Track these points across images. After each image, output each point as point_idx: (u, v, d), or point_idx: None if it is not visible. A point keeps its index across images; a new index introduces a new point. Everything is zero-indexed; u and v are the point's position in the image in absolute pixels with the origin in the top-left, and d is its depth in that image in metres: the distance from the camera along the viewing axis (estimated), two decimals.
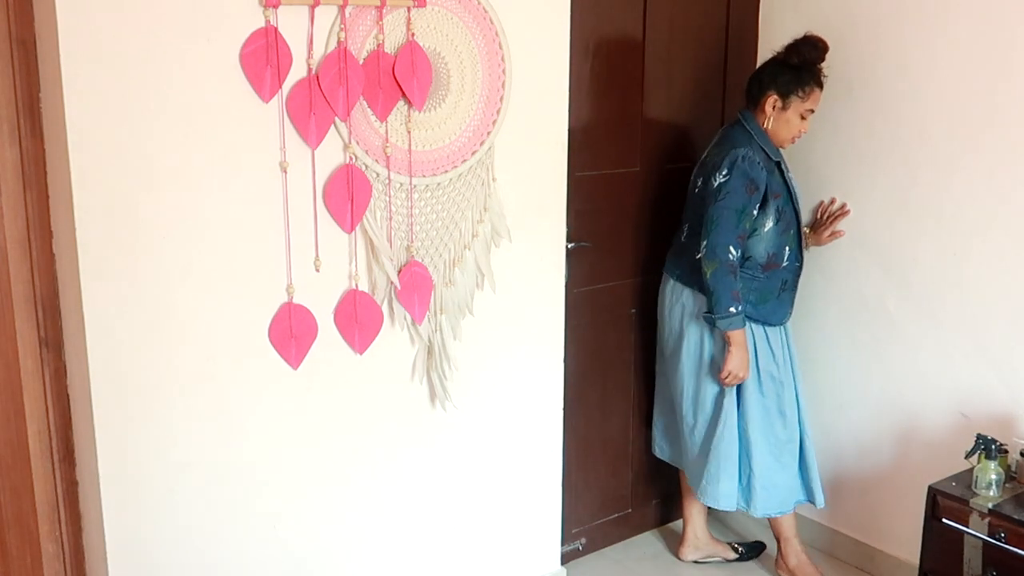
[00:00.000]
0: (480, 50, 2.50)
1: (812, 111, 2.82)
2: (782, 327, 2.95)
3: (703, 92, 3.22)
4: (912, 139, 2.90)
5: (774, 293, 2.87)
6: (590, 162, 2.97)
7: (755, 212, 2.75)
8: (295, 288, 2.32)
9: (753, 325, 2.86)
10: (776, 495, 2.94)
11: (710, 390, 2.93)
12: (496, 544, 2.88)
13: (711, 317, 2.77)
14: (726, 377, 2.80)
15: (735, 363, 2.78)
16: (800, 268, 2.94)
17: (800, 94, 2.79)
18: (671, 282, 3.01)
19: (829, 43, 2.84)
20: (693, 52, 3.12)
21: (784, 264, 2.87)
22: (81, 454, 2.27)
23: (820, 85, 2.81)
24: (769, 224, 2.79)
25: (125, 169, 2.06)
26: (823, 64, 2.82)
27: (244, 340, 2.28)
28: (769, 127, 2.82)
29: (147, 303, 2.13)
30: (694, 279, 2.87)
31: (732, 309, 2.74)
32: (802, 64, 2.79)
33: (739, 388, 2.88)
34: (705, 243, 2.75)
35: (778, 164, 2.82)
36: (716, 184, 2.75)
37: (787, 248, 2.86)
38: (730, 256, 2.72)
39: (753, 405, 2.89)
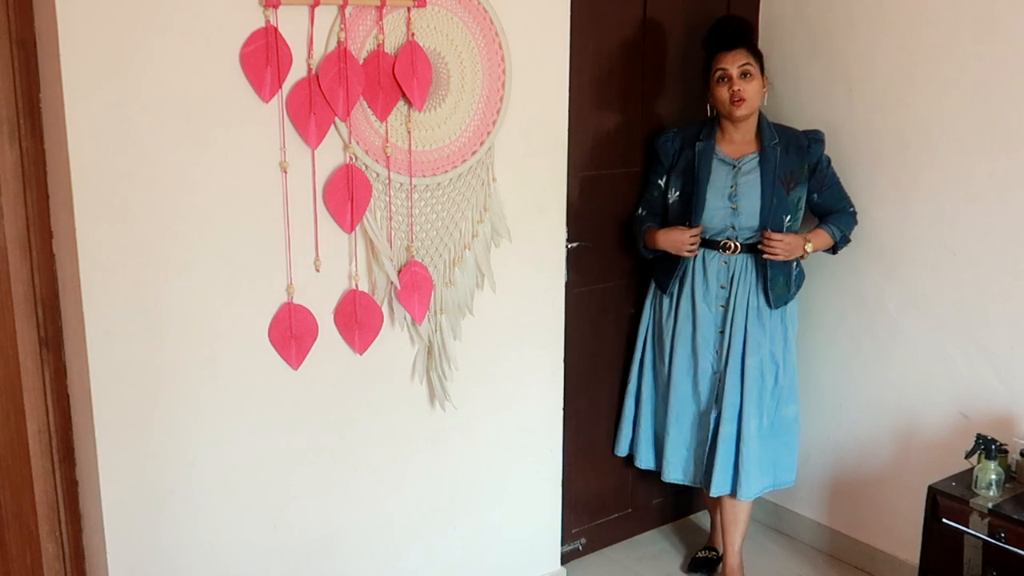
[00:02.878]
0: (480, 50, 2.50)
1: (723, 70, 2.81)
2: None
3: (704, 88, 3.21)
4: (912, 139, 2.90)
5: (667, 263, 2.98)
6: (590, 162, 2.98)
7: (660, 183, 2.99)
8: (295, 288, 2.32)
9: (655, 289, 3.06)
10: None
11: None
12: (496, 544, 2.88)
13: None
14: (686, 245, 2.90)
15: (665, 242, 2.92)
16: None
17: (709, 69, 2.86)
18: None
19: (829, 43, 2.84)
20: (693, 51, 3.12)
21: None
22: (81, 454, 2.27)
23: (722, 47, 2.82)
24: (675, 194, 2.95)
25: (125, 169, 2.06)
26: (731, 33, 2.83)
27: (244, 340, 2.28)
28: (710, 100, 2.91)
29: (147, 303, 2.13)
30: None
31: (636, 228, 3.04)
32: (708, 44, 2.89)
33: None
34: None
35: (695, 143, 2.90)
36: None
37: (686, 224, 2.91)
38: (638, 213, 3.06)
39: (649, 370, 3.13)
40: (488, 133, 2.56)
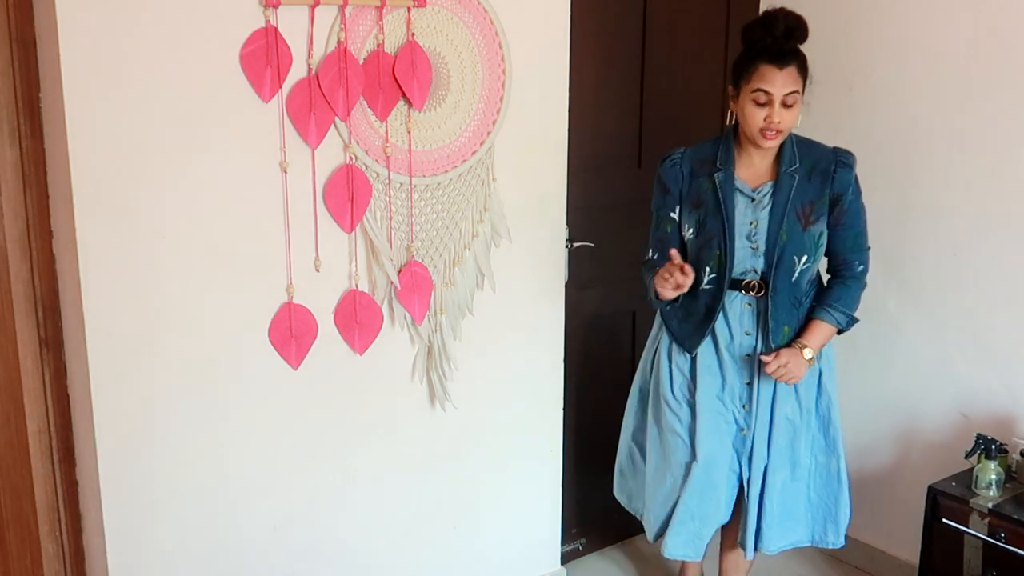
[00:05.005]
0: (480, 50, 2.50)
1: (767, 93, 2.32)
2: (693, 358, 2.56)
3: (704, 89, 3.22)
4: (912, 139, 2.90)
5: (694, 316, 2.53)
6: (590, 162, 2.97)
7: (674, 215, 2.52)
8: (295, 288, 2.32)
9: (669, 340, 2.59)
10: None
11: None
12: (496, 544, 2.88)
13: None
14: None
15: (657, 285, 2.42)
16: (720, 295, 2.47)
17: (743, 76, 2.36)
18: None
19: (830, 43, 2.78)
20: (694, 50, 3.12)
21: (704, 286, 2.49)
22: (81, 454, 2.27)
23: (769, 59, 2.33)
24: (689, 232, 2.51)
25: (125, 169, 2.06)
26: (782, 37, 2.34)
27: (244, 340, 2.28)
28: (733, 123, 2.45)
29: (147, 303, 2.13)
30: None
31: (647, 280, 2.52)
32: (750, 43, 2.39)
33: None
34: None
35: (715, 172, 2.44)
36: None
37: (708, 267, 2.47)
38: (648, 257, 2.60)
39: (647, 422, 2.71)
40: (488, 133, 2.56)
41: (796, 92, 2.34)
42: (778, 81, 2.32)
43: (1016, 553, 2.46)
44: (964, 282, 2.83)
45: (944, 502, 2.61)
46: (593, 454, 3.22)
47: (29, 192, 2.13)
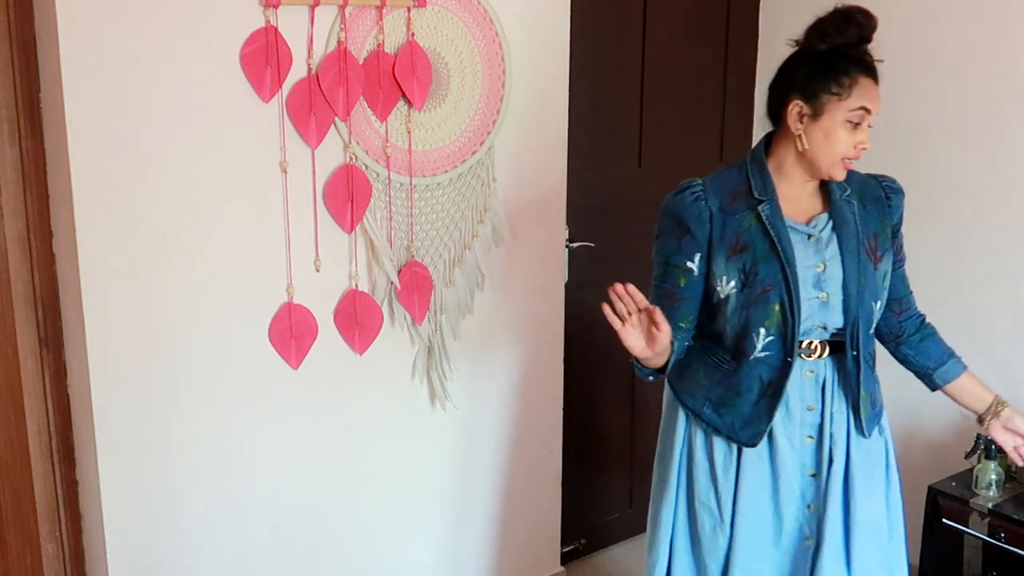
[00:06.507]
0: (480, 50, 2.50)
1: (867, 111, 1.83)
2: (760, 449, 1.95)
3: (704, 88, 3.22)
4: (912, 139, 2.90)
5: (745, 395, 1.94)
6: (590, 162, 2.97)
7: (691, 265, 1.93)
8: (295, 288, 2.32)
9: (709, 432, 2.00)
10: None
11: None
12: (496, 544, 2.88)
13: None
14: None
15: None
16: (787, 364, 1.90)
17: (835, 89, 1.82)
18: None
19: None
20: (694, 48, 3.12)
21: (758, 353, 1.91)
22: (81, 454, 2.27)
23: (866, 70, 1.84)
24: (730, 286, 1.91)
25: (125, 169, 2.06)
26: (869, 44, 1.87)
27: (244, 340, 2.28)
28: (804, 149, 1.87)
29: (147, 303, 2.13)
30: (676, 375, 2.05)
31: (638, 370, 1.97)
32: (835, 48, 1.85)
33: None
34: None
35: (758, 205, 1.89)
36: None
37: (762, 330, 1.90)
38: None
39: (678, 528, 2.11)
40: (488, 133, 2.56)
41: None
42: (876, 98, 1.86)
43: (1016, 553, 2.46)
44: (964, 282, 2.83)
45: (944, 502, 2.61)
46: (593, 454, 3.22)
47: (29, 192, 2.13)
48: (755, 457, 1.96)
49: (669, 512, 2.08)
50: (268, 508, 2.41)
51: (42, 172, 2.14)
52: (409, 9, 2.34)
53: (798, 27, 2.91)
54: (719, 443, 1.98)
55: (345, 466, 2.51)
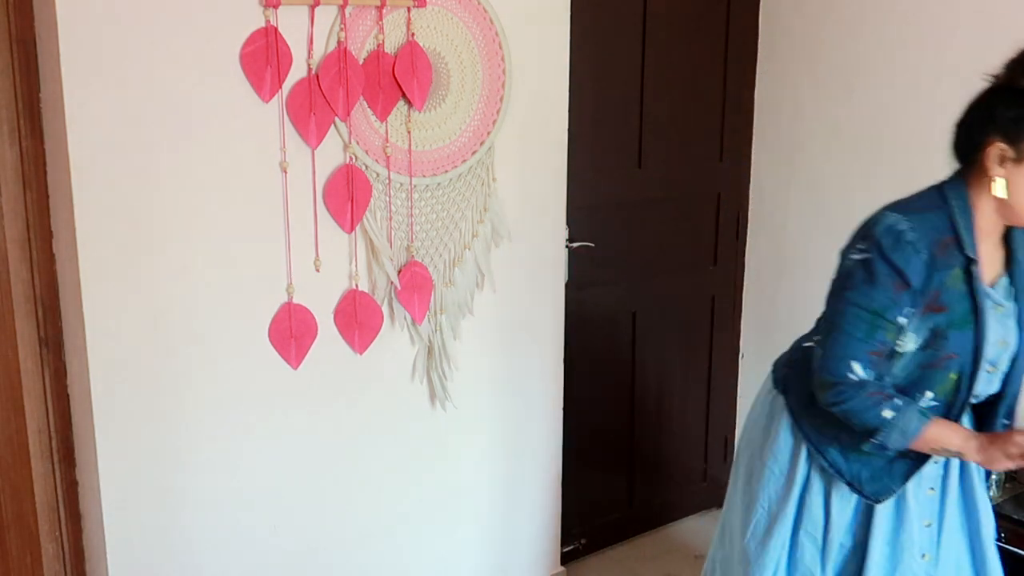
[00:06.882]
0: (480, 50, 2.50)
1: None
2: (887, 504, 1.86)
3: (704, 88, 3.22)
4: (912, 139, 2.90)
5: (888, 452, 1.82)
6: (590, 162, 2.97)
7: (903, 320, 1.73)
8: (295, 288, 2.32)
9: (829, 473, 1.88)
10: None
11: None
12: (496, 544, 2.88)
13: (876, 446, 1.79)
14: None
15: (980, 456, 1.73)
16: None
17: None
18: (770, 388, 2.04)
19: (830, 43, 2.72)
20: (694, 48, 3.12)
21: None
22: (81, 454, 2.27)
23: None
24: (910, 345, 1.76)
25: (125, 169, 2.06)
26: None
27: (244, 340, 2.28)
28: (1000, 194, 1.72)
29: (147, 303, 2.13)
30: (802, 406, 1.92)
31: (886, 413, 1.74)
32: None
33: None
34: (820, 357, 1.79)
35: (969, 264, 1.72)
36: (845, 265, 1.78)
37: (929, 393, 1.79)
38: (851, 375, 1.74)
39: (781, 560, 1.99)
40: (488, 133, 2.56)
41: None
42: None
43: (1016, 553, 2.46)
44: None
45: None
46: (593, 454, 3.22)
47: (29, 192, 2.13)
48: (878, 508, 1.87)
49: (777, 547, 1.96)
50: (268, 508, 2.41)
51: (42, 172, 2.14)
52: (409, 9, 2.34)
53: (797, 29, 2.92)
54: (839, 487, 1.88)
55: (345, 466, 2.51)
